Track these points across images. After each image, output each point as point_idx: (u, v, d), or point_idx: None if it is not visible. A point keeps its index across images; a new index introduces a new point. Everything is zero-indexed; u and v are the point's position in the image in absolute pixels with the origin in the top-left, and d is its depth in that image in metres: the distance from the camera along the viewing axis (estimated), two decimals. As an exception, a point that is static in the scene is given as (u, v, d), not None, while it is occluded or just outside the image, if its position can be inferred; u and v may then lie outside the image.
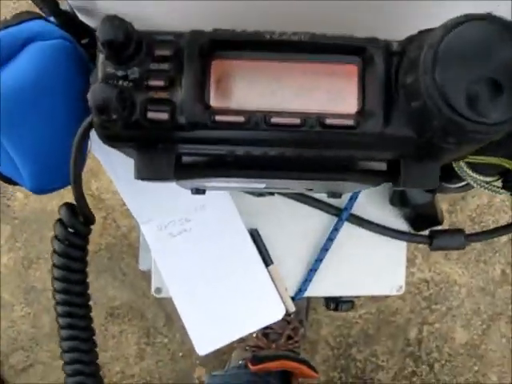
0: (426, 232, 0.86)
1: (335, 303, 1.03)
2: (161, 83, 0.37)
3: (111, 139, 0.39)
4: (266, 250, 0.85)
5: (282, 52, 0.38)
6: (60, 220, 0.51)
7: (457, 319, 1.82)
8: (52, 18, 0.50)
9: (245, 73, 0.38)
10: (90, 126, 0.40)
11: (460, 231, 0.83)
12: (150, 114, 0.36)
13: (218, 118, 0.36)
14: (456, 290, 1.81)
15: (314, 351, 1.78)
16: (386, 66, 0.37)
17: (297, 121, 0.36)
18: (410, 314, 1.80)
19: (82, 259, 0.57)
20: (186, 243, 0.82)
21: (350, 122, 0.36)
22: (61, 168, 0.49)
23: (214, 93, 0.38)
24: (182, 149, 0.40)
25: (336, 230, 0.86)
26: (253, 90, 0.37)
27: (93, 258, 1.75)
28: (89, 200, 0.47)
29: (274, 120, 0.36)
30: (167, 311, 1.72)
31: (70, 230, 0.51)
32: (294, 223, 0.87)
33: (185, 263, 0.82)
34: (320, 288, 0.89)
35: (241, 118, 0.36)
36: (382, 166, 0.45)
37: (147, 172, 0.41)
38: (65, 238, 0.54)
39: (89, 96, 0.34)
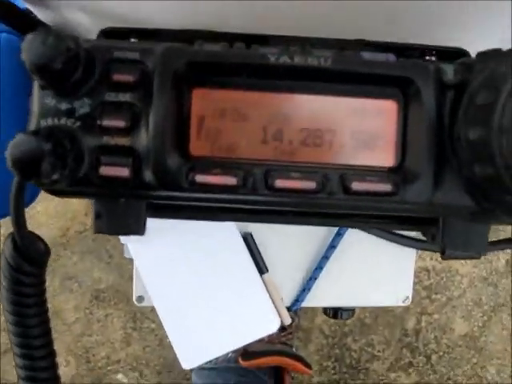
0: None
1: (334, 310, 0.96)
2: (120, 123, 0.26)
3: (55, 194, 0.28)
4: (260, 256, 0.76)
5: (292, 79, 0.27)
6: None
7: (457, 310, 1.76)
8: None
9: (239, 108, 0.27)
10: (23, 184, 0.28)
11: (476, 239, 0.73)
12: (104, 170, 0.25)
13: (200, 178, 0.25)
14: (458, 279, 1.74)
15: (307, 340, 1.72)
16: (437, 104, 0.26)
17: (311, 185, 0.25)
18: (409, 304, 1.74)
19: (34, 295, 0.47)
20: (170, 247, 0.72)
21: (386, 188, 0.25)
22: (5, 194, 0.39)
23: (196, 136, 0.27)
24: (154, 201, 0.29)
25: (339, 235, 0.77)
26: (249, 134, 0.27)
27: (78, 239, 1.67)
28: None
29: (279, 183, 0.25)
30: (155, 297, 1.64)
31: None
32: (291, 227, 0.78)
33: (169, 269, 0.72)
34: (319, 298, 0.81)
35: (232, 180, 0.25)
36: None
37: (108, 226, 0.31)
38: (11, 275, 0.44)
39: (8, 153, 0.22)
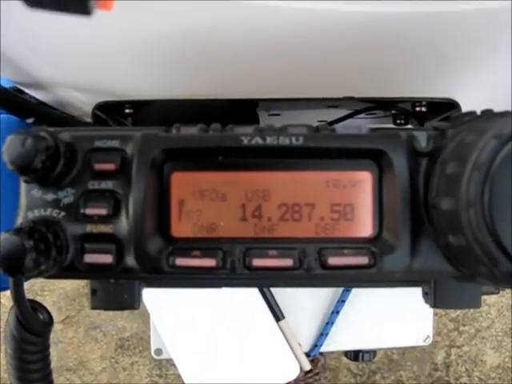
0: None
1: (354, 353, 0.94)
2: (102, 211, 0.27)
3: (46, 278, 0.29)
4: (275, 303, 0.76)
5: (266, 158, 0.28)
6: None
7: (487, 341, 1.71)
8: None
9: (217, 188, 0.27)
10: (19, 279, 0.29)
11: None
12: (89, 258, 0.26)
13: (180, 262, 0.25)
14: (485, 309, 1.70)
15: (335, 379, 1.69)
16: (410, 173, 0.27)
17: (288, 262, 0.26)
18: (437, 337, 1.69)
19: (38, 360, 0.47)
20: (185, 300, 0.73)
21: (363, 260, 0.26)
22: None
23: (177, 217, 0.27)
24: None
25: (353, 278, 0.76)
26: (229, 212, 0.27)
27: (100, 288, 1.68)
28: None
29: (257, 262, 0.26)
30: (179, 343, 1.64)
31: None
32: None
33: (185, 322, 0.73)
34: (338, 342, 0.80)
35: (211, 262, 0.25)
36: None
37: (103, 302, 0.32)
38: (16, 343, 0.45)
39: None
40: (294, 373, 0.75)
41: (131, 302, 0.31)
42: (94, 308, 0.33)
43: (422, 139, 0.28)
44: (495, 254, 0.22)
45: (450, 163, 0.25)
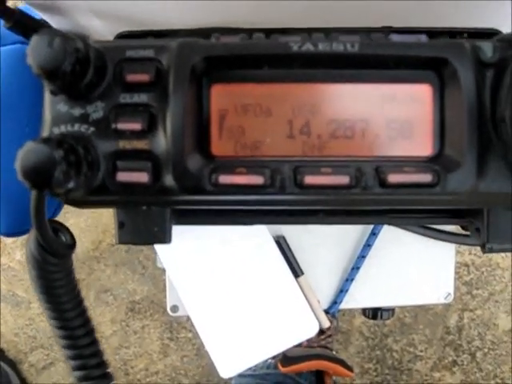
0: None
1: (373, 311, 0.93)
2: (136, 126, 0.24)
3: (74, 204, 0.27)
4: (294, 259, 0.75)
5: (317, 68, 0.25)
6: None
7: (500, 305, 1.71)
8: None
9: (262, 102, 0.25)
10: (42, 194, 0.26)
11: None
12: (122, 176, 0.24)
13: (224, 179, 0.23)
14: (499, 273, 1.69)
15: (347, 342, 1.69)
16: (477, 85, 0.24)
17: (344, 179, 0.23)
18: (450, 301, 1.69)
19: (62, 279, 0.46)
20: (203, 255, 0.71)
21: (426, 178, 0.23)
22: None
23: (218, 134, 0.25)
24: (176, 206, 0.28)
25: (374, 234, 0.74)
26: (275, 129, 0.25)
27: (110, 251, 1.67)
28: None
29: (310, 180, 0.23)
30: (190, 306, 1.64)
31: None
32: (324, 228, 0.75)
33: (202, 277, 0.71)
34: (357, 299, 0.79)
35: (258, 180, 0.23)
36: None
37: (132, 236, 0.29)
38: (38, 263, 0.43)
39: (17, 163, 0.21)
40: (314, 330, 0.73)
41: (162, 236, 0.29)
42: (121, 242, 0.30)
43: (488, 49, 0.25)
44: None
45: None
